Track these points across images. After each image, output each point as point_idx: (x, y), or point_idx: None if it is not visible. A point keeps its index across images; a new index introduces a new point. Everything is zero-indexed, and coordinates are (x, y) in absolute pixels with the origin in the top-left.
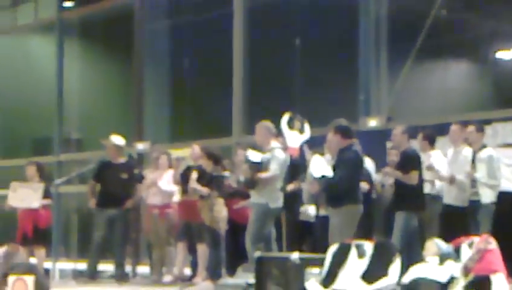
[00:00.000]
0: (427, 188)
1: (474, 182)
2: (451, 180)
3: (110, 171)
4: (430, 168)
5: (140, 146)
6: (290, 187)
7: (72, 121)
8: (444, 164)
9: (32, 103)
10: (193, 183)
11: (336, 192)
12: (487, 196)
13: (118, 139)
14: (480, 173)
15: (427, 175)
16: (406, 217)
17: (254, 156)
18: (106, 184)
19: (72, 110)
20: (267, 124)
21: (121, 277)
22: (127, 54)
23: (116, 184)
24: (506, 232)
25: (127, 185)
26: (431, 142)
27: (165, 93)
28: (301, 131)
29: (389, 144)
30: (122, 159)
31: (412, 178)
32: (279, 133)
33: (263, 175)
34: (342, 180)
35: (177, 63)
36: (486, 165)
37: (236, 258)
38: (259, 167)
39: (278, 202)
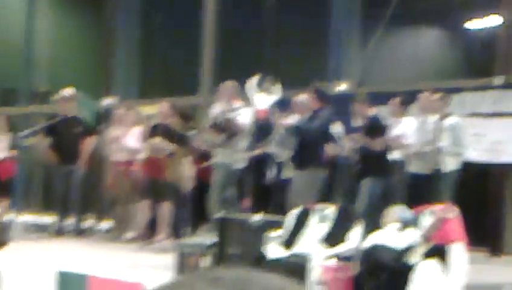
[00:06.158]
0: (395, 154)
1: (438, 150)
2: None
3: (62, 126)
4: (396, 139)
5: (108, 101)
6: (257, 151)
7: (41, 73)
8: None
9: (0, 53)
10: (157, 140)
11: (309, 137)
12: (451, 164)
13: (68, 92)
14: (445, 141)
15: (394, 144)
16: (371, 184)
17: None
18: (60, 139)
19: (41, 62)
20: (232, 83)
21: (80, 231)
22: (98, 7)
23: (70, 138)
24: (470, 201)
25: (81, 138)
26: (406, 108)
27: (135, 49)
28: (270, 92)
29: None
30: (73, 113)
31: (378, 144)
32: (244, 94)
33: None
34: (318, 129)
35: (148, 20)
36: (451, 133)
37: (199, 217)
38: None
39: (242, 162)
